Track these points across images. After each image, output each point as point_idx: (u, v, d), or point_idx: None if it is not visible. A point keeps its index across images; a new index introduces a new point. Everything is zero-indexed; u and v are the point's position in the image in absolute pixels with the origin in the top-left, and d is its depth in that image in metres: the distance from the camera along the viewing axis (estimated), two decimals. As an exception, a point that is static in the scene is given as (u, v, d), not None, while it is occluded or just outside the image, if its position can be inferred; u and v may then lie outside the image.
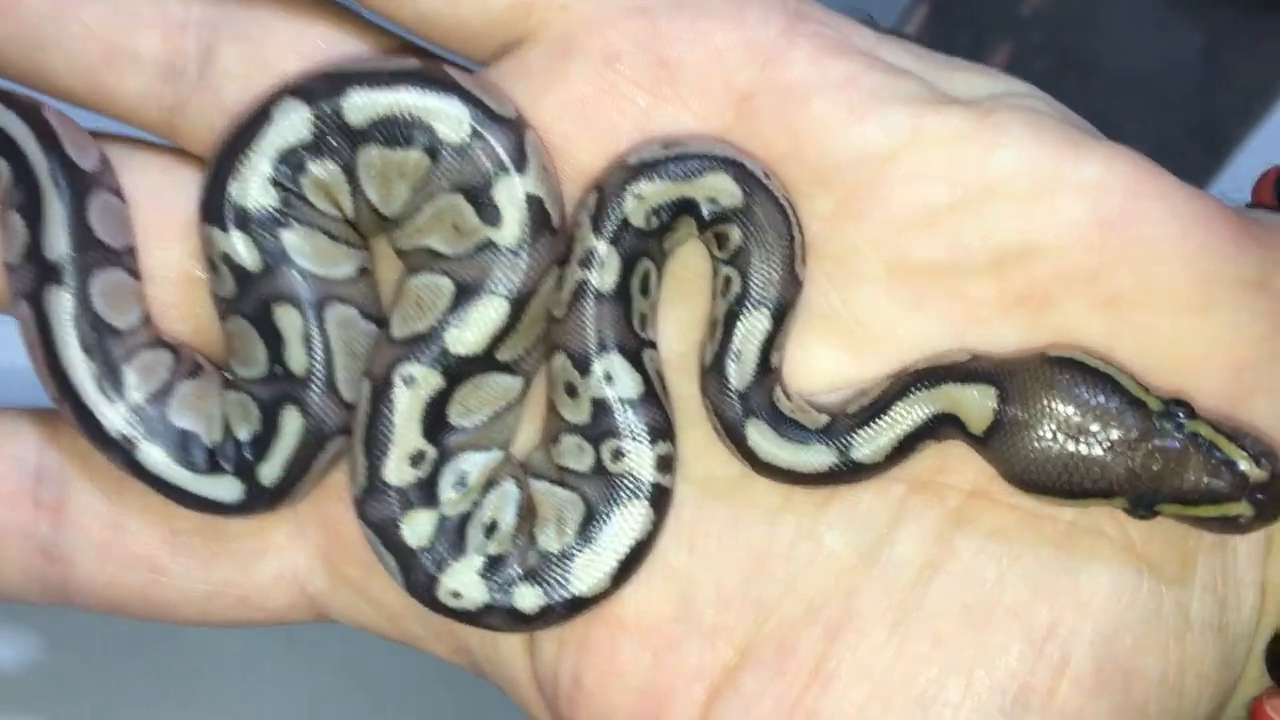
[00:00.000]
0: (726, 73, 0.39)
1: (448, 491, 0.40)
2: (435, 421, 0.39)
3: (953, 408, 0.39)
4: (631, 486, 0.40)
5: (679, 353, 0.41)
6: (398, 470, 0.39)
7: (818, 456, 0.39)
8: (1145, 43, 0.72)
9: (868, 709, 0.39)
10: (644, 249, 0.40)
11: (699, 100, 0.40)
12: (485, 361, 0.39)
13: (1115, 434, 0.37)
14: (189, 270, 0.41)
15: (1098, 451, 0.37)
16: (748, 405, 0.40)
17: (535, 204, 0.39)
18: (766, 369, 0.40)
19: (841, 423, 0.40)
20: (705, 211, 0.39)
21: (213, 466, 0.40)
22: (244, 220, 0.39)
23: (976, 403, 0.38)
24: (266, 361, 0.39)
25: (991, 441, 0.38)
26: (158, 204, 0.41)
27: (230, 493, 0.40)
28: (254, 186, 0.39)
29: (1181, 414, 0.37)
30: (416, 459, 0.39)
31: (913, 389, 0.39)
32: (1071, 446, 0.38)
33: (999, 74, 0.41)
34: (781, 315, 0.40)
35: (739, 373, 0.40)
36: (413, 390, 0.39)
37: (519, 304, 0.39)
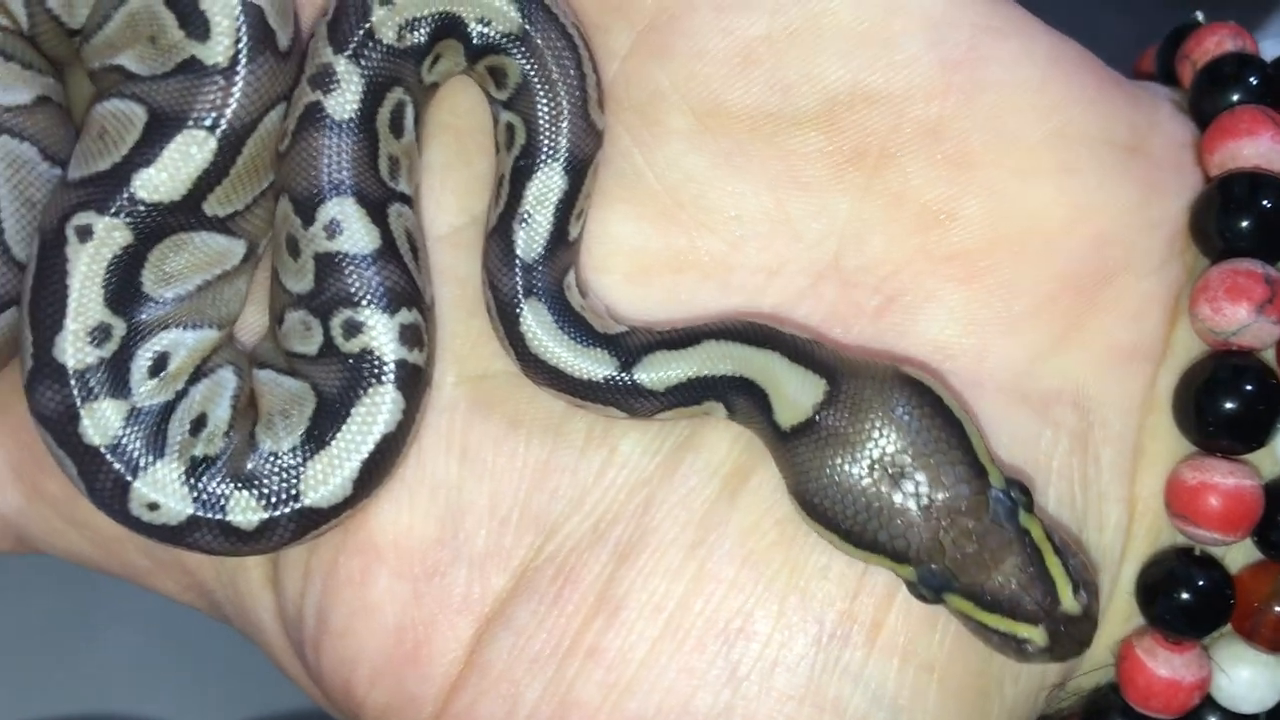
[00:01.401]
0: None
1: (142, 378, 0.32)
2: (124, 288, 0.32)
3: (766, 382, 0.32)
4: (371, 368, 0.32)
5: (457, 226, 0.34)
6: (75, 348, 0.31)
7: (593, 364, 0.33)
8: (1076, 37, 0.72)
9: (660, 645, 0.33)
10: (396, 74, 0.33)
11: None
12: (189, 214, 0.32)
13: (940, 495, 0.31)
14: None
15: (911, 506, 0.31)
16: (530, 281, 0.33)
17: (253, 14, 0.31)
18: (562, 240, 0.33)
19: (638, 337, 0.33)
20: (474, 35, 0.33)
21: None
22: None
23: (797, 390, 0.32)
24: None
25: (794, 443, 0.31)
26: None
27: None
28: None
29: (1019, 501, 0.31)
30: (99, 335, 0.32)
31: (734, 336, 0.32)
32: (884, 488, 0.31)
33: None
34: (579, 172, 0.33)
35: (527, 240, 0.33)
36: (91, 246, 0.31)
37: (230, 141, 0.31)
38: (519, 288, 0.33)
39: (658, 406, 0.33)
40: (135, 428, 0.32)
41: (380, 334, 0.32)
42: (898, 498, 0.31)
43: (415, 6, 0.32)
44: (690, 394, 0.32)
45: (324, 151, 0.32)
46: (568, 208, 0.33)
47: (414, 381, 0.33)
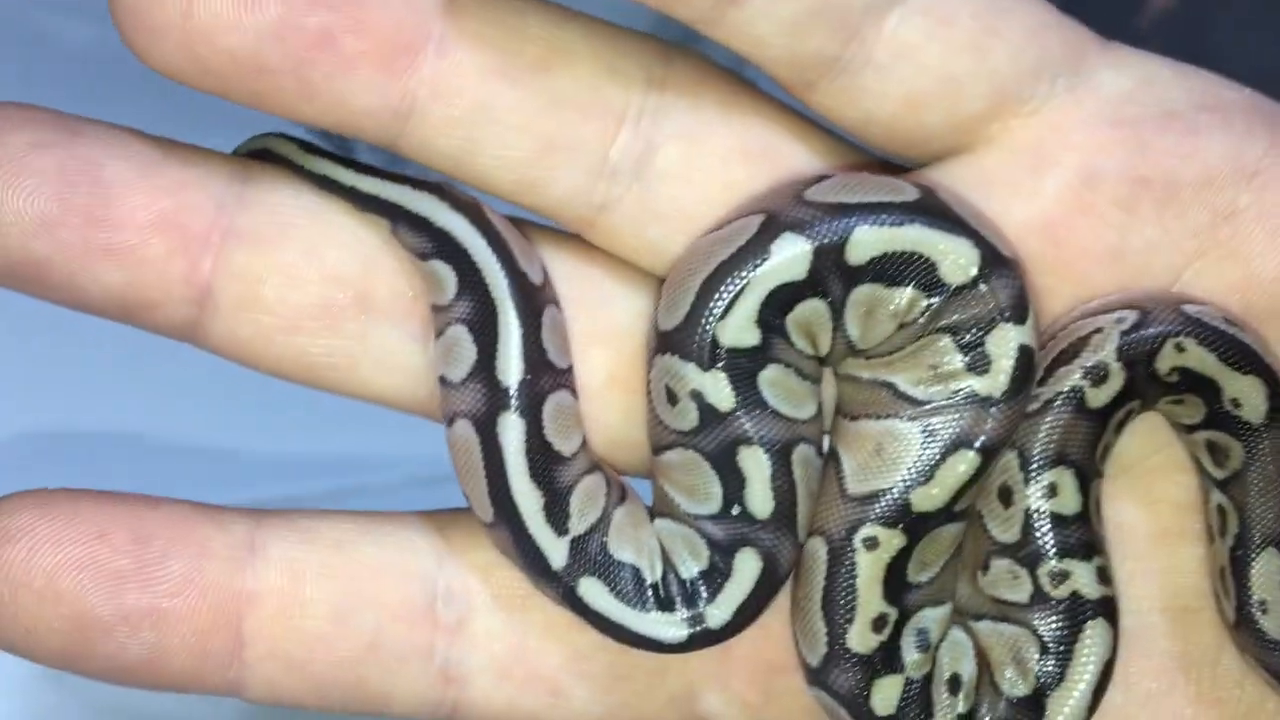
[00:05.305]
0: (1212, 192, 0.37)
1: (911, 653, 0.38)
2: (895, 582, 0.37)
3: None
4: (1081, 608, 0.38)
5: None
6: (861, 638, 0.37)
7: None
8: (1266, 46, 0.72)
9: None
10: (1142, 392, 0.37)
11: (1177, 222, 0.37)
12: (947, 515, 0.37)
13: None
14: (605, 378, 0.39)
15: None
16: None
17: (1026, 357, 0.36)
18: None
19: None
20: (1222, 409, 0.37)
21: (659, 604, 0.38)
22: (723, 360, 0.36)
23: None
24: (722, 500, 0.37)
25: None
26: (580, 313, 0.39)
27: (675, 633, 0.37)
28: (741, 325, 0.36)
29: None
30: (879, 623, 0.37)
31: None
32: None
33: None
34: None
35: (1275, 624, 0.37)
36: (875, 554, 0.37)
37: (989, 456, 0.37)
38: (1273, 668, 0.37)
39: None
40: (909, 699, 0.38)
41: (1084, 578, 0.38)
42: None
43: (1198, 363, 0.36)
44: None
45: (1069, 428, 0.37)
46: None
47: (1114, 613, 0.38)
